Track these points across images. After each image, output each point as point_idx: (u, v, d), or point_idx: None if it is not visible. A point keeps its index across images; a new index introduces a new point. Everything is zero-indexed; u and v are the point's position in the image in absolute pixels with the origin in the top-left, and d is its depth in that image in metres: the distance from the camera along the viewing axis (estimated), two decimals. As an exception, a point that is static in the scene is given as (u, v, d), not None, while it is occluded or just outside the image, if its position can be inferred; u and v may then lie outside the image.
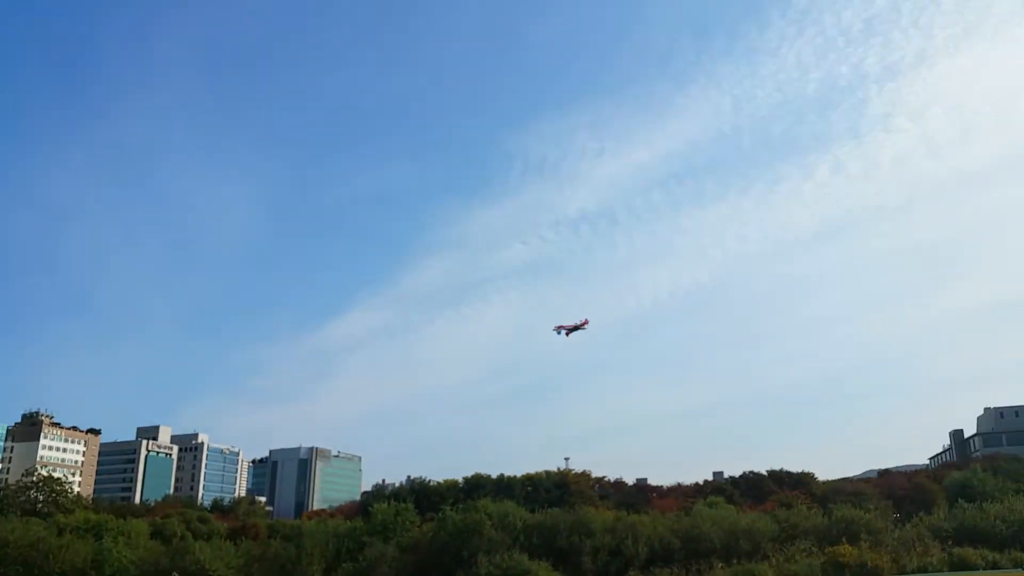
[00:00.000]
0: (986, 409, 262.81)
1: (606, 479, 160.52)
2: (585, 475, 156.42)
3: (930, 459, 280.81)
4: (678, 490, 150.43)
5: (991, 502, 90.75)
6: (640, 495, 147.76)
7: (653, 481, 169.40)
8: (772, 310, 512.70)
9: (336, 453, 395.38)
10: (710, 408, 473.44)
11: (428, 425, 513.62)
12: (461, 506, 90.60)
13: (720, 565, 71.03)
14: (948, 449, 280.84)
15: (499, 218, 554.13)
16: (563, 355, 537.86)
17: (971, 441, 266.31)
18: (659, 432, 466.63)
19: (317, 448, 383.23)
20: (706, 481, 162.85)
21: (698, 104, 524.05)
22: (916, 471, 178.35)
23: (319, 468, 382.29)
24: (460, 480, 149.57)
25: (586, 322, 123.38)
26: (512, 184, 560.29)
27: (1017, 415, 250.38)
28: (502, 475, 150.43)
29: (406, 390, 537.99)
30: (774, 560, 72.67)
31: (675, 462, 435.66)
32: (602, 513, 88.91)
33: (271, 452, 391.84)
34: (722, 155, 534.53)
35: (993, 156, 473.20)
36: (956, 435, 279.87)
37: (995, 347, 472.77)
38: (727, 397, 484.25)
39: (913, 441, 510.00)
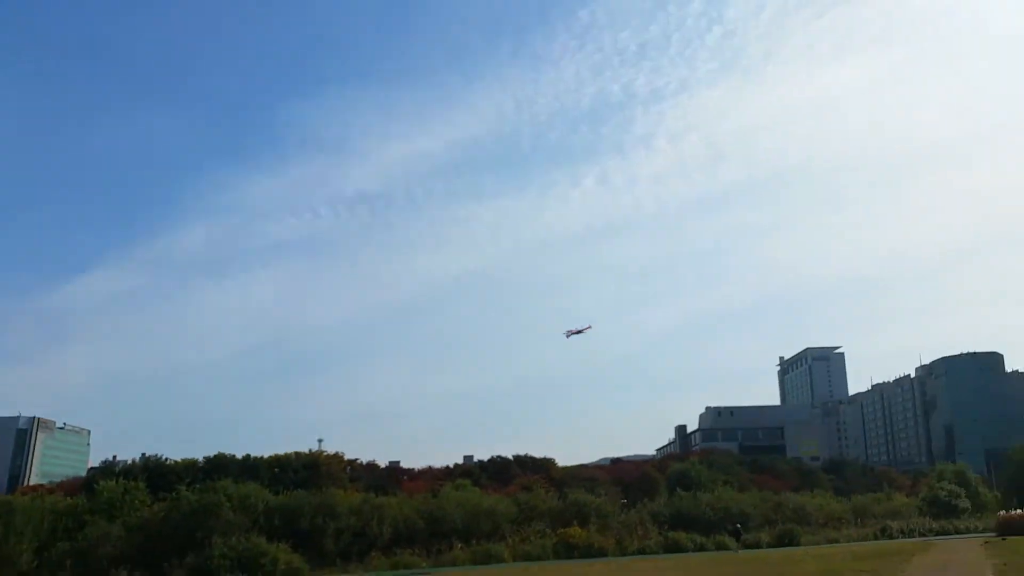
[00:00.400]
0: (707, 408, 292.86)
1: (359, 461, 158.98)
2: (337, 457, 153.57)
3: (657, 450, 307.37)
4: (429, 473, 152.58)
5: (704, 491, 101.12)
6: (391, 477, 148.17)
7: (406, 464, 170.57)
8: (533, 304, 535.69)
9: (61, 425, 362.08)
10: (468, 393, 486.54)
11: (173, 401, 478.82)
12: (199, 486, 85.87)
13: (460, 545, 73.26)
14: (673, 442, 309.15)
15: (272, 188, 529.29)
16: (325, 336, 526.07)
17: (692, 436, 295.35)
18: (417, 415, 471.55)
19: (39, 418, 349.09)
20: (456, 464, 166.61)
21: (483, 102, 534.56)
22: (645, 461, 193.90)
23: (40, 440, 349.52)
24: (200, 460, 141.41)
25: (588, 327, 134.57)
26: (289, 154, 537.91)
27: (732, 414, 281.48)
28: (248, 455, 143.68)
29: (151, 361, 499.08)
30: (510, 540, 76.14)
31: (429, 445, 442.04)
32: (349, 495, 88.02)
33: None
34: (502, 153, 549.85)
35: (734, 183, 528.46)
36: (680, 430, 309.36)
37: (718, 352, 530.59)
38: (485, 383, 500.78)
39: (645, 433, 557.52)
